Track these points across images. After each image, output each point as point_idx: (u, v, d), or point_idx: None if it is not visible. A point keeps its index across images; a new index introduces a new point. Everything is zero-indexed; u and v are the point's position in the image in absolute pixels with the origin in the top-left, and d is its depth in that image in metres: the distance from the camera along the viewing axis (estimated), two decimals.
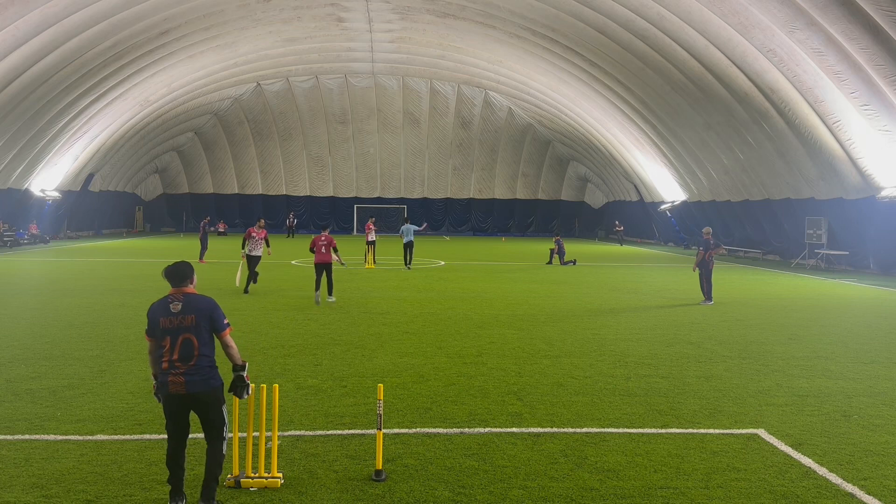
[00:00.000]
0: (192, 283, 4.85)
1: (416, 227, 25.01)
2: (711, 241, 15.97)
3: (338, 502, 4.95)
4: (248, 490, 5.13)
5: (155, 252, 30.76)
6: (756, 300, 16.53)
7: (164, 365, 4.62)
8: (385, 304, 14.88)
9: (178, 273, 4.77)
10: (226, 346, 4.78)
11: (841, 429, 6.74)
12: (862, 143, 22.26)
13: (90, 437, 6.18)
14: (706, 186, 34.39)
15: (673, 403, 7.51)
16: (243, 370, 4.81)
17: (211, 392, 4.66)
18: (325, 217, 50.25)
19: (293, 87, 46.38)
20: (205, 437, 4.83)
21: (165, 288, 4.98)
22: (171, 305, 4.67)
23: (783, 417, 7.08)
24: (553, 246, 27.86)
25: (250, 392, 4.90)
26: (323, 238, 14.97)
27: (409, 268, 23.44)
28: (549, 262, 27.21)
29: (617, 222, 45.08)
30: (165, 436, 6.19)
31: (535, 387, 8.13)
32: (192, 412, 4.78)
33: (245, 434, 5.84)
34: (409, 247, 23.81)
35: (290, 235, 46.16)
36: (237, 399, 5.03)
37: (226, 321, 4.81)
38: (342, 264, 16.66)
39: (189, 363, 4.61)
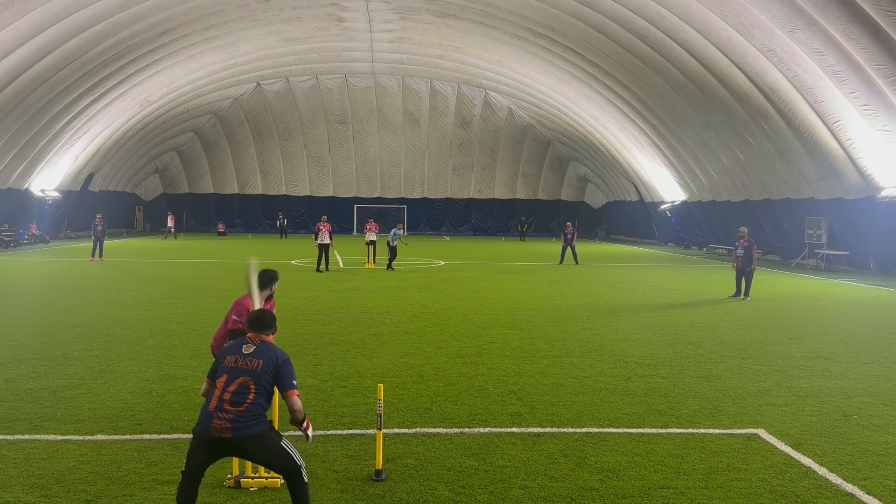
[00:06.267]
0: (272, 333, 4.65)
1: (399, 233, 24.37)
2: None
3: (338, 502, 4.95)
4: (248, 490, 5.14)
5: (155, 252, 30.76)
6: (756, 300, 16.53)
7: (212, 405, 4.25)
8: (385, 304, 14.88)
9: (261, 321, 4.60)
10: (290, 408, 4.41)
11: (841, 429, 6.74)
12: (862, 143, 22.25)
13: (90, 437, 6.17)
14: (706, 186, 34.39)
15: (673, 403, 7.51)
16: (301, 424, 4.49)
17: (257, 436, 4.26)
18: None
19: (293, 87, 46.37)
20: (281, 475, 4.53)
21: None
22: (244, 346, 4.46)
23: (783, 417, 7.08)
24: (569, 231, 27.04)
25: (311, 436, 4.60)
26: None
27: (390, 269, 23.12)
28: (576, 262, 26.49)
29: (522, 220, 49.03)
30: (165, 436, 6.22)
31: (535, 387, 8.13)
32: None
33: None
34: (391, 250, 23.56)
35: (281, 236, 46.18)
36: None
37: (294, 381, 4.43)
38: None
39: (239, 408, 4.23)
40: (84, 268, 22.59)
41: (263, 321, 4.61)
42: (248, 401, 4.24)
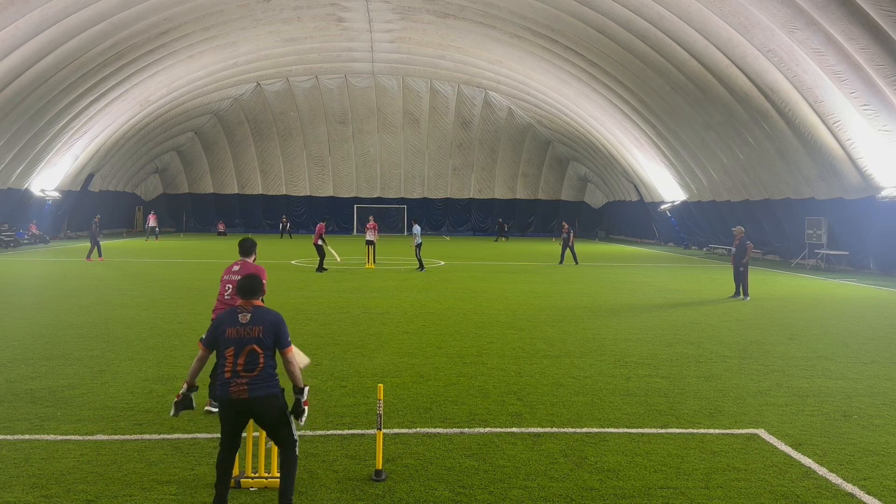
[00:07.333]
0: (261, 297, 4.90)
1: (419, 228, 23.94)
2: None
3: (338, 502, 4.95)
4: (248, 490, 5.14)
5: (155, 252, 30.76)
6: (756, 300, 16.53)
7: (227, 374, 4.57)
8: (385, 304, 14.88)
9: (249, 286, 4.82)
10: (287, 363, 4.78)
11: (841, 429, 6.74)
12: (862, 143, 22.25)
13: (90, 437, 6.17)
14: (706, 186, 34.39)
15: (673, 403, 7.51)
16: (302, 394, 4.80)
17: (271, 397, 4.61)
18: (325, 217, 50.22)
19: (293, 87, 46.38)
20: (277, 445, 4.80)
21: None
22: (239, 316, 4.69)
23: (783, 417, 7.08)
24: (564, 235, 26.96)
25: (306, 416, 4.84)
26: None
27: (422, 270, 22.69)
28: (576, 262, 26.41)
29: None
30: (165, 436, 6.22)
31: (535, 387, 8.13)
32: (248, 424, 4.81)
33: (245, 434, 5.84)
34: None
35: (282, 236, 46.16)
36: None
37: (289, 338, 4.81)
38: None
39: (253, 373, 4.57)
40: (84, 268, 22.58)
41: (252, 288, 4.83)
42: (260, 365, 4.59)
